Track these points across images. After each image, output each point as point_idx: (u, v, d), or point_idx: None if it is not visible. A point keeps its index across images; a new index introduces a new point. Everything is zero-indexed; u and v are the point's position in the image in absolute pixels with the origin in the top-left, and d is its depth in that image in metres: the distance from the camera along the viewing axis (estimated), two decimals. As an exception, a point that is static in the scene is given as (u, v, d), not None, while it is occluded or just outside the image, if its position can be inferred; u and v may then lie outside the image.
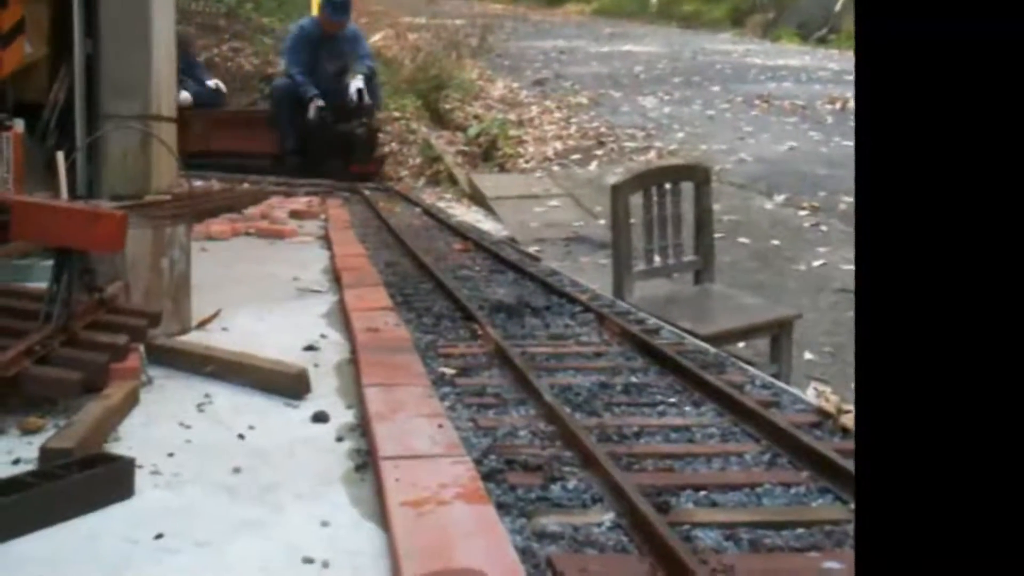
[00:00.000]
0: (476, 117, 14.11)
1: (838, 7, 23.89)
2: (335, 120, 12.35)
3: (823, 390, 3.22)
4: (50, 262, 3.17)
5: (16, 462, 2.52)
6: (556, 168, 11.71)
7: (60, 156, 4.80)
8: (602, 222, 8.65)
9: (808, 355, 6.20)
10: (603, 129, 13.16)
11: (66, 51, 8.57)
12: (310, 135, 12.50)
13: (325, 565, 2.05)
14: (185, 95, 12.20)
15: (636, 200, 5.49)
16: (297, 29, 13.53)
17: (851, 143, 9.16)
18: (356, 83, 12.37)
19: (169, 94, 9.09)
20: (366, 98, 12.41)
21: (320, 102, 12.33)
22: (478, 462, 2.46)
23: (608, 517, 2.21)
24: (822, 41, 23.53)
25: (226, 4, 19.54)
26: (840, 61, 18.19)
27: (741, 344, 5.52)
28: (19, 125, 7.86)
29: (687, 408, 3.05)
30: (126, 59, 8.36)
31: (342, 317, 4.17)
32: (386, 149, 14.06)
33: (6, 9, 8.97)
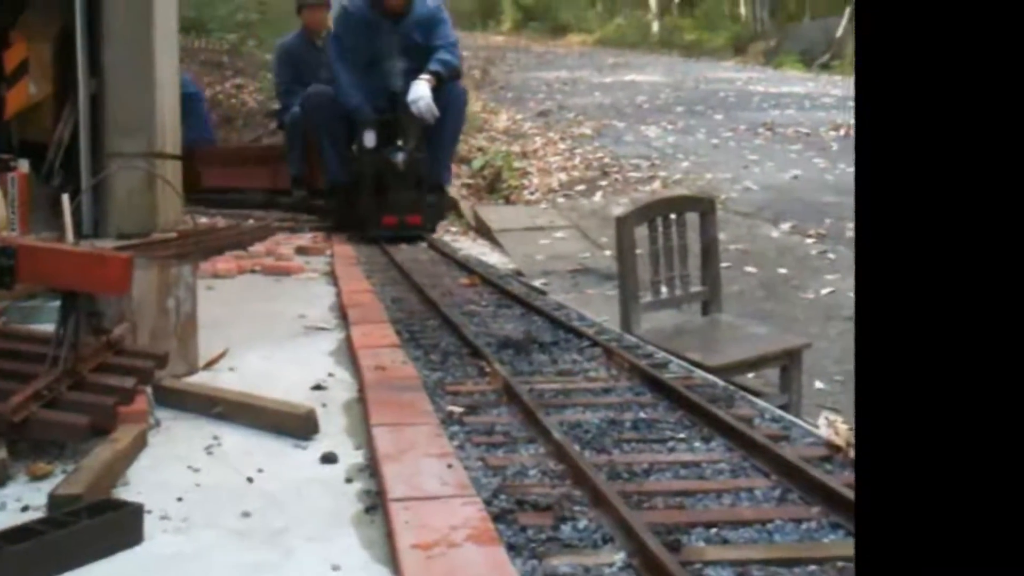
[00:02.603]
0: (480, 149, 14.12)
1: (840, 32, 23.98)
2: (378, 144, 8.59)
3: (834, 420, 3.20)
4: (56, 303, 3.17)
5: (25, 509, 2.52)
6: (561, 199, 11.71)
7: (66, 199, 4.81)
8: (608, 253, 8.66)
9: (819, 384, 6.19)
10: (607, 159, 13.17)
11: (71, 90, 8.61)
12: (361, 167, 8.71)
13: (336, 610, 2.04)
14: None
15: (641, 232, 5.49)
16: (340, 10, 9.54)
17: (856, 170, 9.25)
18: (416, 88, 8.43)
19: (174, 132, 9.12)
20: (423, 109, 8.43)
21: (370, 132, 8.58)
22: (488, 502, 2.45)
23: (619, 557, 2.20)
24: (825, 67, 23.63)
25: (229, 42, 19.63)
26: (843, 87, 18.23)
27: (751, 374, 5.51)
28: (24, 165, 7.90)
29: (696, 444, 3.04)
30: (130, 97, 8.41)
31: (349, 355, 4.16)
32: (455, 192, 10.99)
33: (10, 49, 9.03)
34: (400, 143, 8.48)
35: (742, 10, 33.29)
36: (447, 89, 8.69)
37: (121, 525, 2.33)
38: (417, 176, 8.53)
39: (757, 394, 4.12)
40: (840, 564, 2.20)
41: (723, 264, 6.17)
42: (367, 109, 8.69)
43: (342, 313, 5.04)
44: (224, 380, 3.75)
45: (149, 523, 2.39)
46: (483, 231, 10.61)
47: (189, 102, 12.31)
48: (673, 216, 5.66)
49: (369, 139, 8.54)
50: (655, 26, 34.71)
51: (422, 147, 8.59)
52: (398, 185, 8.44)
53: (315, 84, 9.44)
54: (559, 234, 10.06)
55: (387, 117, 8.63)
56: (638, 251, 5.45)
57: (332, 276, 6.46)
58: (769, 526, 2.41)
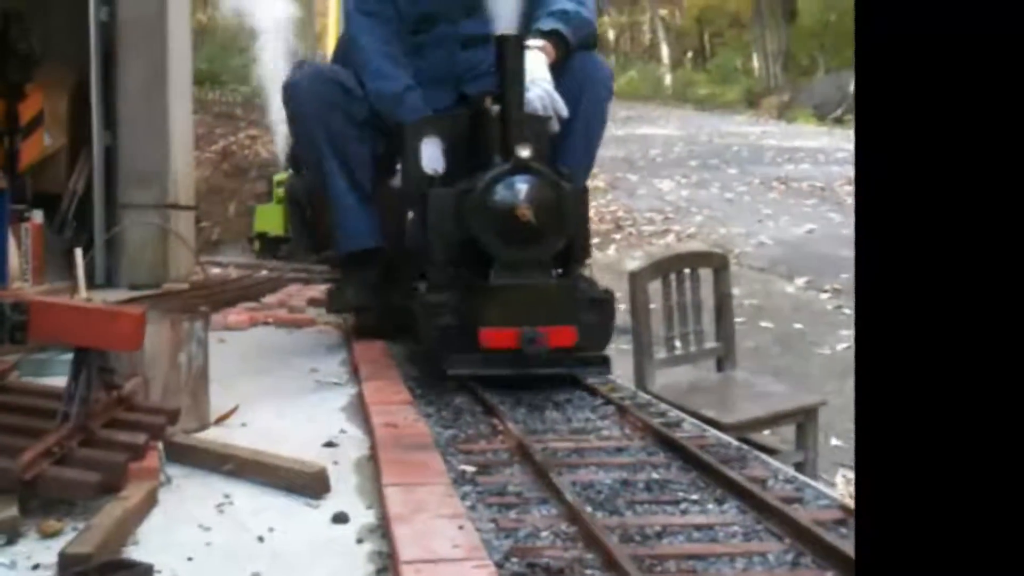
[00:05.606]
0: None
1: (853, 87, 24.04)
2: (451, 168, 4.21)
3: (851, 478, 3.18)
4: (67, 356, 3.17)
5: (35, 567, 2.50)
6: (574, 253, 11.72)
7: (79, 252, 4.82)
8: (623, 307, 8.65)
9: (835, 441, 6.18)
10: (621, 213, 13.22)
11: (85, 142, 8.69)
12: (420, 216, 4.31)
13: (346, 676, 2.02)
14: None
15: (655, 287, 5.49)
16: None
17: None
18: (534, 64, 4.08)
19: (187, 183, 9.17)
20: (537, 100, 4.12)
21: (433, 142, 4.20)
22: (500, 565, 2.42)
23: (632, 623, 2.18)
24: (838, 121, 23.68)
25: (242, 94, 19.79)
26: (857, 142, 18.27)
27: (766, 431, 5.50)
28: (38, 216, 7.95)
29: (709, 505, 3.01)
30: (144, 149, 8.47)
31: (361, 411, 4.15)
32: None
33: (26, 101, 9.12)
34: (524, 154, 3.80)
35: (755, 64, 33.43)
36: (577, 64, 4.57)
37: (131, 586, 2.31)
38: (559, 236, 4.02)
39: (773, 451, 4.10)
40: (855, 631, 2.18)
41: (738, 319, 6.17)
42: (417, 100, 4.63)
43: (354, 368, 5.02)
44: (236, 436, 3.73)
45: (159, 584, 2.38)
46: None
47: None
48: (687, 271, 5.66)
49: (432, 156, 4.26)
50: (668, 79, 34.86)
51: (559, 170, 4.05)
52: (515, 258, 3.96)
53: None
54: (572, 287, 10.05)
55: (467, 112, 4.39)
56: (652, 306, 5.44)
57: (344, 329, 6.44)
58: (783, 591, 2.38)
